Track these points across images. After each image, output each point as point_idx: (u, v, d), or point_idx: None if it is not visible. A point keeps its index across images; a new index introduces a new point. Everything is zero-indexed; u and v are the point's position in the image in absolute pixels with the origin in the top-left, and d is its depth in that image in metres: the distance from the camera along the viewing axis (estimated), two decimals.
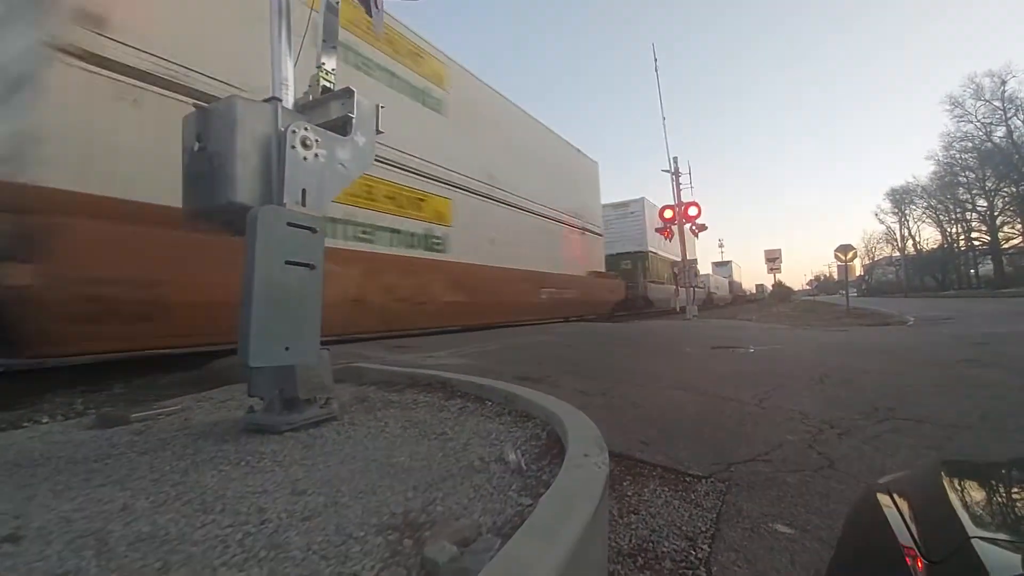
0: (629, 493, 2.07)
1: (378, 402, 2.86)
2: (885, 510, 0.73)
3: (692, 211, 17.02)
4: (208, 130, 2.06)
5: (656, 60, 20.06)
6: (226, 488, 1.59)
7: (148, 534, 1.28)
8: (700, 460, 2.42)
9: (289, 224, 2.04)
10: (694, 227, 17.28)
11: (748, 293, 67.55)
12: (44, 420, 3.23)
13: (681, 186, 18.04)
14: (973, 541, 0.58)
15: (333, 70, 2.60)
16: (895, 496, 0.75)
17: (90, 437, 2.39)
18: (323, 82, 2.55)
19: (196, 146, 2.08)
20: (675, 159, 18.13)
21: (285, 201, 2.09)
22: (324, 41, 2.60)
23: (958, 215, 49.41)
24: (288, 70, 2.39)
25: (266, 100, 2.22)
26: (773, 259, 30.09)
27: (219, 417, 2.69)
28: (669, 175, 18.03)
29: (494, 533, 1.20)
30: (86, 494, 1.59)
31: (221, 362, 4.66)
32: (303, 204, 2.15)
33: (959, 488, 0.78)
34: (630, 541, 1.71)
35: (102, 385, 4.54)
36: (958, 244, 50.69)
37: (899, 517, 0.69)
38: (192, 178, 2.15)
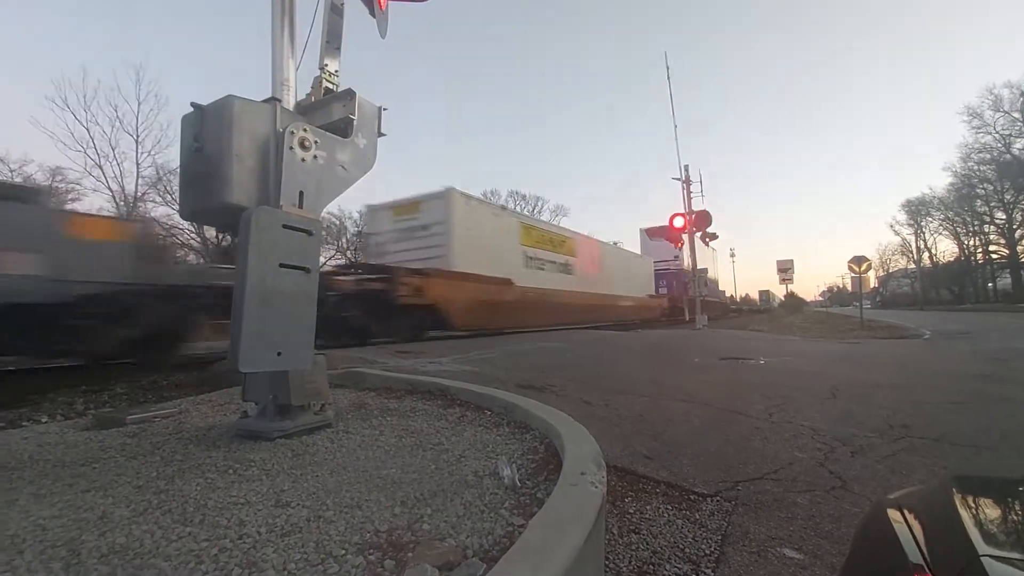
0: (631, 511, 1.99)
1: (376, 409, 2.80)
2: (895, 526, 0.70)
3: (702, 219, 16.87)
4: (205, 130, 2.02)
5: (668, 68, 20.01)
6: (208, 498, 1.53)
7: (122, 546, 1.23)
8: (705, 477, 2.33)
9: (284, 226, 1.99)
10: (705, 236, 17.12)
11: (746, 303, 57.71)
12: (43, 419, 3.22)
13: (692, 194, 17.90)
14: (983, 559, 0.55)
15: (336, 71, 2.57)
16: (905, 512, 0.73)
17: (84, 439, 2.36)
18: (326, 84, 2.52)
19: (193, 146, 2.05)
20: (686, 167, 18.01)
21: (281, 203, 2.05)
22: (327, 42, 2.57)
23: (976, 227, 48.55)
24: (289, 71, 2.36)
25: (265, 100, 2.19)
26: (785, 269, 29.65)
27: (214, 421, 2.65)
28: (680, 183, 17.90)
29: (480, 557, 1.13)
30: (67, 500, 1.55)
31: (223, 364, 4.64)
32: (300, 206, 2.11)
33: (971, 505, 0.74)
34: (630, 563, 1.62)
35: (105, 385, 4.54)
36: (975, 257, 49.78)
37: (909, 533, 0.67)
38: (189, 178, 2.12)
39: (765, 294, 73.31)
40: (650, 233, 27.94)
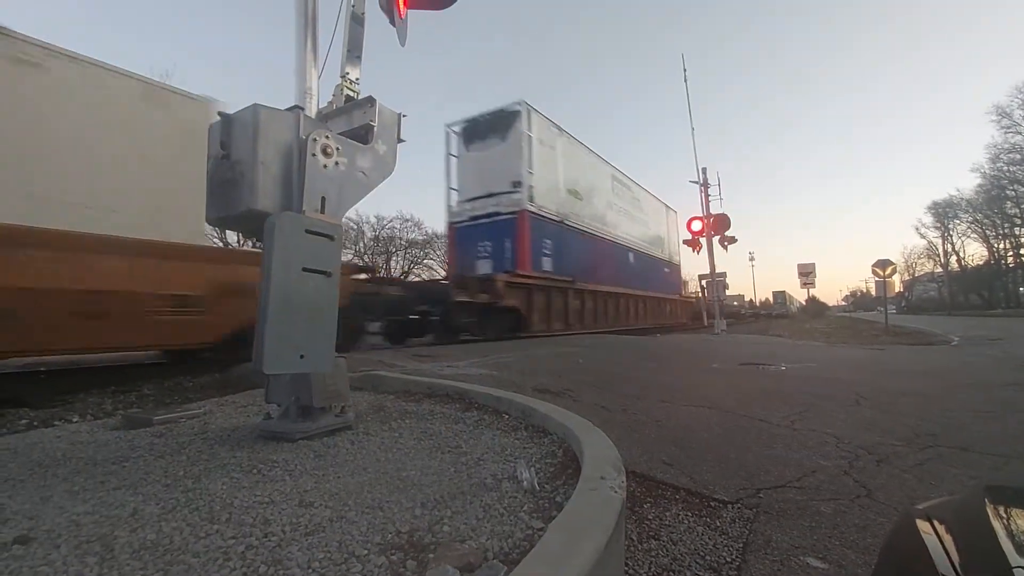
0: (650, 516, 1.97)
1: (394, 412, 2.83)
2: (924, 536, 0.68)
3: (721, 223, 16.68)
4: (231, 138, 2.08)
5: (685, 70, 19.80)
6: (235, 497, 1.57)
7: (152, 542, 1.27)
8: (726, 484, 2.30)
9: (307, 231, 2.04)
10: (723, 240, 16.90)
11: (762, 307, 50.04)
12: (75, 419, 3.33)
13: (710, 197, 17.69)
14: (1016, 571, 0.53)
15: (357, 79, 2.62)
16: (935, 522, 0.71)
17: (113, 438, 2.43)
18: (346, 91, 2.57)
19: (220, 154, 2.11)
20: (704, 170, 17.80)
21: (304, 208, 2.09)
22: (348, 51, 2.62)
23: (1006, 230, 47.09)
24: (312, 80, 2.41)
25: (289, 109, 2.24)
26: (807, 273, 29.04)
27: (238, 422, 2.70)
28: (698, 186, 17.72)
29: (500, 559, 1.14)
30: (99, 497, 1.60)
31: (246, 366, 4.73)
32: (322, 211, 2.15)
33: (1004, 515, 0.72)
34: (650, 569, 1.61)
35: (133, 386, 4.67)
36: (1006, 261, 48.26)
37: (939, 544, 0.65)
38: (215, 185, 2.18)
39: (780, 295, 63.88)
40: (468, 137, 11.97)
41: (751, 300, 59.25)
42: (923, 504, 0.82)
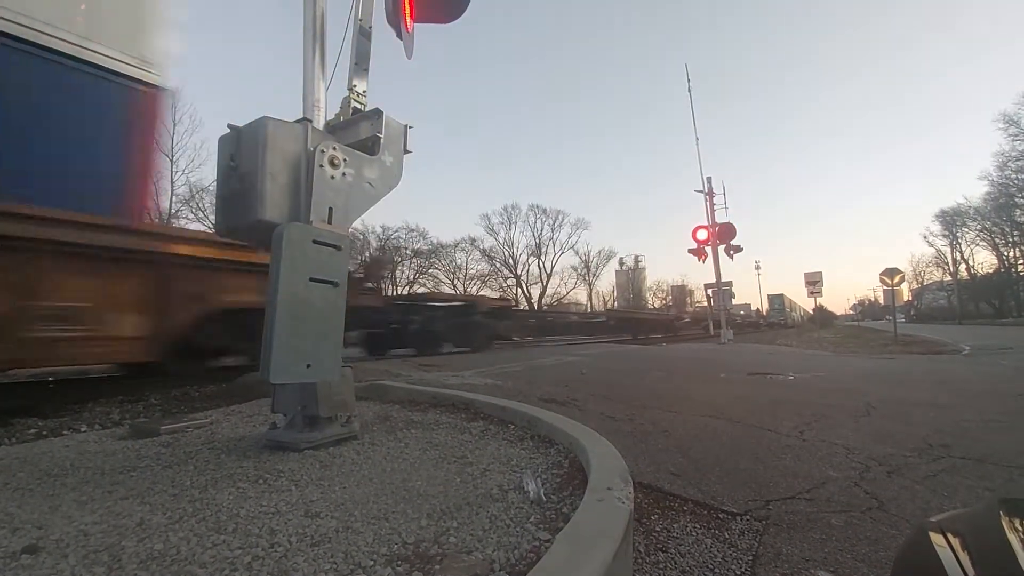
0: (657, 528, 1.95)
1: (400, 421, 2.83)
2: (939, 551, 0.67)
3: (726, 232, 16.65)
4: (240, 150, 2.11)
5: (689, 80, 19.86)
6: (241, 507, 1.57)
7: (159, 552, 1.27)
8: (735, 495, 2.27)
9: (314, 242, 2.05)
10: (729, 249, 16.86)
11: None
12: (83, 429, 3.34)
13: (715, 207, 17.68)
14: None
15: (364, 92, 2.65)
16: (949, 536, 0.69)
17: (121, 448, 2.44)
18: (354, 103, 2.60)
19: (229, 165, 2.14)
20: (709, 179, 17.81)
21: (312, 219, 2.11)
22: (356, 64, 2.66)
23: (1016, 238, 46.72)
24: (320, 92, 2.45)
25: (297, 121, 2.27)
26: (814, 282, 28.87)
27: (244, 432, 2.71)
28: (703, 195, 17.73)
29: (507, 571, 1.13)
30: (107, 507, 1.61)
31: (252, 376, 4.75)
32: (329, 222, 2.17)
33: (1020, 529, 0.70)
34: None
35: (140, 396, 4.69)
36: (1016, 269, 47.84)
37: (953, 558, 0.63)
38: (225, 196, 2.21)
39: (778, 299, 56.03)
40: None
41: (758, 309, 58.12)
42: (937, 517, 0.81)
